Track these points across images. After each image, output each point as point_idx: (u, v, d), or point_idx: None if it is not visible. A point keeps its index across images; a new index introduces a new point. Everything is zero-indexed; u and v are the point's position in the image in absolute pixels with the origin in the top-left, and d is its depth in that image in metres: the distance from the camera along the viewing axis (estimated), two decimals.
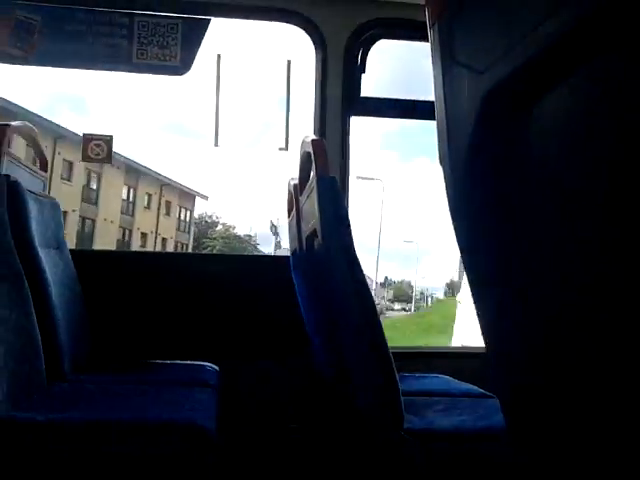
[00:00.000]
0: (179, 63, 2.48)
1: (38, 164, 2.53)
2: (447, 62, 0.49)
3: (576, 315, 0.41)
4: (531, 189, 0.41)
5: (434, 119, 0.53)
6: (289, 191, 2.26)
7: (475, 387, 1.92)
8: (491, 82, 0.42)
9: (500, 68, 0.42)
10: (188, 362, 2.29)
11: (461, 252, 0.49)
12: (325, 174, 1.54)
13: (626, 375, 0.37)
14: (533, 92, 0.41)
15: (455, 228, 0.49)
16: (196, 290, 2.48)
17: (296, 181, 2.03)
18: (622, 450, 0.37)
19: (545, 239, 0.41)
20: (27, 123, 2.42)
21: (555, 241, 0.41)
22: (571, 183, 0.39)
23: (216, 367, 2.25)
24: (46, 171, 2.51)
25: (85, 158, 2.53)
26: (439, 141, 0.49)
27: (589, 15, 0.34)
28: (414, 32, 2.42)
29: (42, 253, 1.92)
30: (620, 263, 0.35)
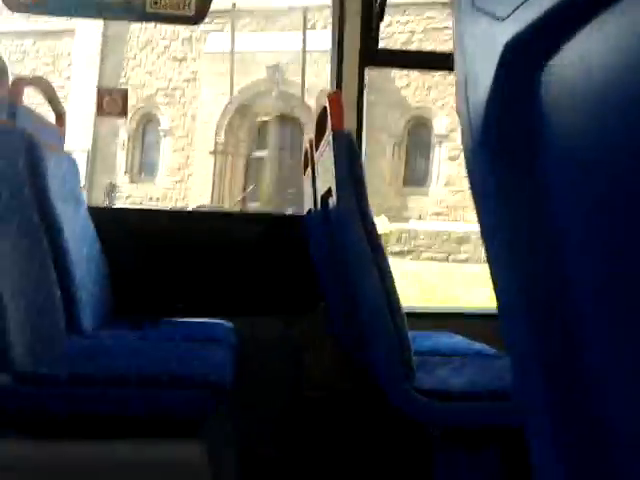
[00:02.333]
0: (193, 12, 2.43)
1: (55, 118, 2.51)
2: (466, 8, 0.46)
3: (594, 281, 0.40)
4: (553, 144, 0.39)
5: (453, 70, 0.51)
6: (305, 147, 2.22)
7: (488, 347, 1.91)
8: (513, 30, 0.40)
9: (523, 14, 0.39)
10: (204, 320, 2.31)
11: (475, 198, 0.47)
12: (341, 129, 1.51)
13: None
14: (558, 40, 0.38)
15: (469, 173, 0.47)
16: (212, 248, 2.49)
17: (312, 136, 1.99)
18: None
19: (564, 194, 0.40)
20: (43, 77, 2.39)
21: (576, 195, 0.40)
22: (596, 137, 0.37)
23: (231, 324, 2.27)
24: (62, 125, 2.50)
25: (100, 112, 2.51)
26: (458, 92, 0.47)
27: None
28: None
29: (60, 209, 1.91)
30: None
